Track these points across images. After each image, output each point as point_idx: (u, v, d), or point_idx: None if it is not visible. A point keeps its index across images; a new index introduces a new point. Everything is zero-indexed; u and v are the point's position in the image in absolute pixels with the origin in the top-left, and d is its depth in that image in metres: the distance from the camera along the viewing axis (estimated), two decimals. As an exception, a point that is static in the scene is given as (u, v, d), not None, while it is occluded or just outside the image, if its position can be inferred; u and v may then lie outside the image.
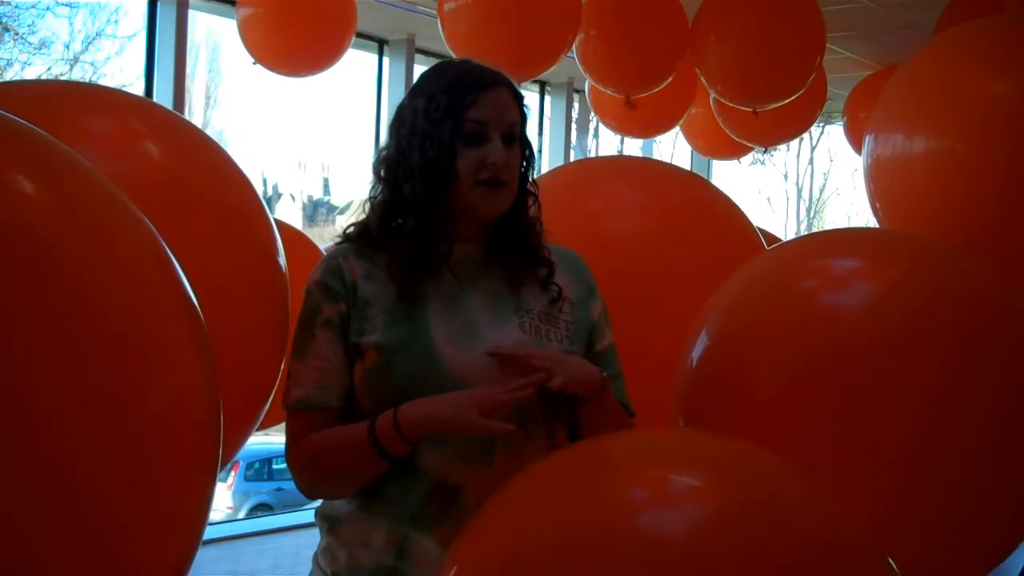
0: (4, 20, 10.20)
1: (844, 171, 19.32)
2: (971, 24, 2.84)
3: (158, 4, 6.98)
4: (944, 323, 1.82)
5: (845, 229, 5.26)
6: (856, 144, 7.13)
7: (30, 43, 10.61)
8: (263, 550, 7.41)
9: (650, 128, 6.97)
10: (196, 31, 13.18)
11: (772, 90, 5.54)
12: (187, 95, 8.41)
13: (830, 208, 19.71)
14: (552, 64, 5.15)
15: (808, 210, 19.40)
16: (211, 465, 1.47)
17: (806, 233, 11.82)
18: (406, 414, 1.66)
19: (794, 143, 15.99)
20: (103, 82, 10.29)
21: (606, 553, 1.30)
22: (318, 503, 1.85)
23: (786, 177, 18.96)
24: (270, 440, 9.97)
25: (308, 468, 1.75)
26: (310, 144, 19.86)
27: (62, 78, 10.58)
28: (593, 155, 11.15)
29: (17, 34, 10.45)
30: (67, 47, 11.26)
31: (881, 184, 2.62)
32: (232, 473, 11.70)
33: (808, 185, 19.23)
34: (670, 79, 5.74)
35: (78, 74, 11.16)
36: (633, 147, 11.96)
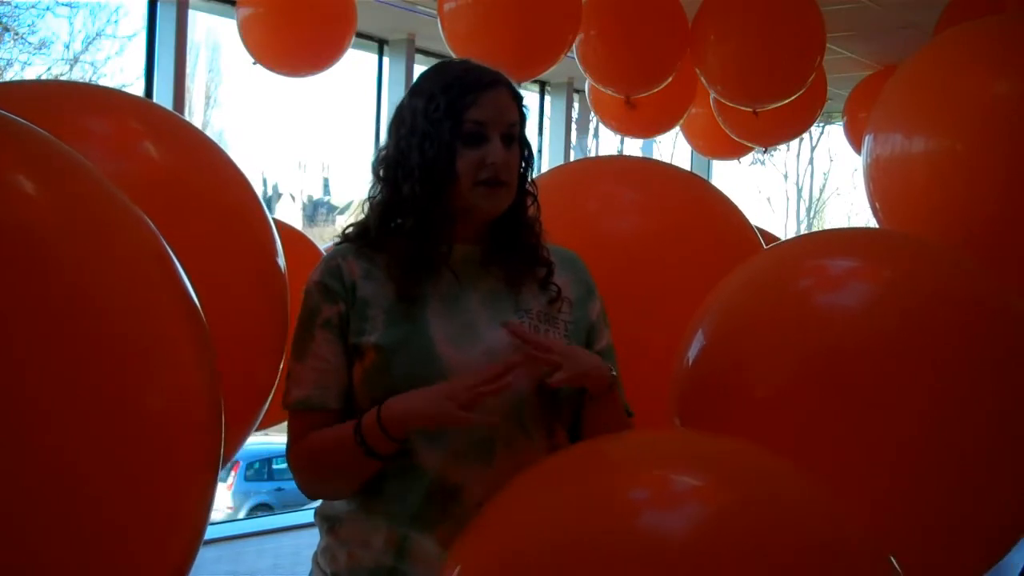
0: (4, 20, 10.21)
1: (844, 171, 19.35)
2: (971, 24, 2.84)
3: (158, 4, 6.98)
4: (941, 323, 1.82)
5: (842, 229, 5.27)
6: (856, 144, 7.13)
7: (30, 43, 10.62)
8: (263, 550, 7.41)
9: (650, 128, 6.97)
10: (196, 31, 13.19)
11: (772, 90, 5.54)
12: (187, 95, 8.41)
13: (830, 208, 19.74)
14: (552, 64, 5.15)
15: (808, 210, 19.40)
16: (212, 465, 1.47)
17: (804, 233, 11.81)
18: (389, 410, 1.66)
19: (794, 143, 15.99)
20: (103, 82, 10.30)
21: (607, 553, 1.30)
22: (318, 503, 1.85)
23: (786, 177, 18.98)
24: (270, 440, 9.97)
25: (307, 468, 1.75)
26: (310, 144, 19.89)
27: (62, 78, 10.58)
28: (593, 155, 11.14)
29: (17, 34, 10.46)
30: (67, 47, 11.27)
31: (881, 184, 2.62)
32: (232, 473, 11.70)
33: (808, 185, 19.25)
34: (670, 79, 5.74)
35: (78, 74, 11.16)
36: (633, 147, 11.96)
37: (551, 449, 1.75)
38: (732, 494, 1.38)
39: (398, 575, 1.71)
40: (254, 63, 5.70)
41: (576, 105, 10.20)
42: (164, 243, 1.45)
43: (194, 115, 14.42)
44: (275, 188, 18.85)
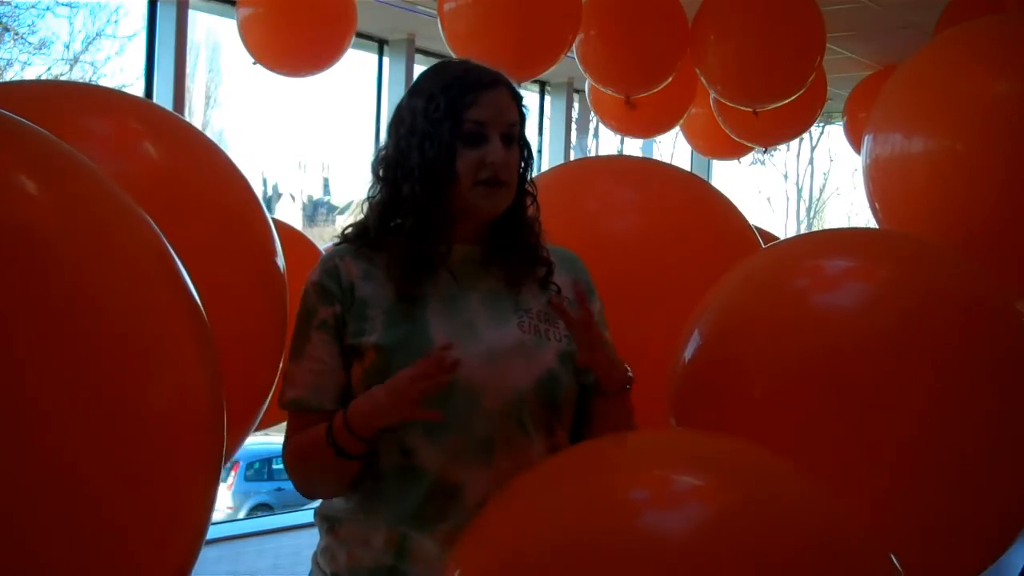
0: (4, 20, 10.21)
1: (844, 171, 19.34)
2: (971, 24, 2.85)
3: (158, 4, 6.98)
4: (940, 322, 1.82)
5: (841, 229, 5.27)
6: (856, 144, 7.13)
7: (30, 43, 10.62)
8: (263, 550, 7.41)
9: (650, 128, 6.97)
10: (196, 31, 13.17)
11: (772, 90, 5.54)
12: (187, 95, 8.40)
13: (830, 208, 19.73)
14: (552, 64, 5.15)
15: (808, 210, 19.40)
16: (214, 464, 1.48)
17: (803, 232, 11.81)
18: (355, 408, 1.66)
19: (794, 143, 15.98)
20: (103, 82, 10.30)
21: (607, 553, 1.30)
22: (318, 503, 1.85)
23: (786, 177, 18.97)
24: (270, 440, 9.96)
25: (295, 468, 1.75)
26: (310, 144, 19.86)
27: (62, 78, 10.57)
28: (593, 155, 11.14)
29: (17, 34, 10.46)
30: (67, 47, 11.26)
31: (880, 184, 2.63)
32: (232, 473, 11.70)
33: (808, 185, 19.24)
34: (670, 79, 5.74)
35: (78, 74, 11.16)
36: (633, 147, 11.96)
37: (551, 449, 1.75)
38: (732, 494, 1.38)
39: (398, 575, 1.71)
40: (254, 63, 5.70)
41: (576, 105, 10.19)
42: (166, 242, 1.46)
43: (194, 115, 14.41)
44: (275, 188, 18.84)
